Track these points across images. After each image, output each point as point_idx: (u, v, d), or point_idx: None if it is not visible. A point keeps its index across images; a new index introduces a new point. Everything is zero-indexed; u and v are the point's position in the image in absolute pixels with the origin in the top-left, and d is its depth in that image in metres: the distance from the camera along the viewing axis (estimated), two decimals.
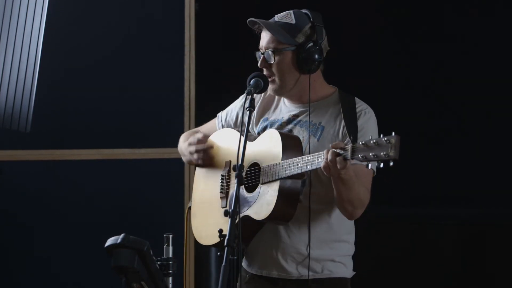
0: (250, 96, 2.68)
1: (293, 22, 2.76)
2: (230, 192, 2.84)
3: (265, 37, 2.79)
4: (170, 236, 2.60)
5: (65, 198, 4.53)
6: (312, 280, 2.75)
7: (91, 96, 4.55)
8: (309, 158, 2.59)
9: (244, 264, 2.87)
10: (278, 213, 2.66)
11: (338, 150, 2.49)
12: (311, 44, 2.74)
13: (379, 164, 2.40)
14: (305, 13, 2.79)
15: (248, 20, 2.80)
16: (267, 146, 2.76)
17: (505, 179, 4.42)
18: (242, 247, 2.75)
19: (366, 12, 4.57)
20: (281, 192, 2.65)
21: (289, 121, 2.83)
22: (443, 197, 4.49)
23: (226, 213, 2.44)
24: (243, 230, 2.67)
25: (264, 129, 2.86)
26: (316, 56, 2.74)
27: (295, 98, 2.84)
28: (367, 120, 2.76)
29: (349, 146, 2.46)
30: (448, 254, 4.43)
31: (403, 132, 2.40)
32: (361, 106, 2.79)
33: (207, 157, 2.95)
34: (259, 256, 2.82)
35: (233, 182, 2.59)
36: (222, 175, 2.89)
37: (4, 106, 4.55)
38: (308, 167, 2.58)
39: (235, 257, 2.38)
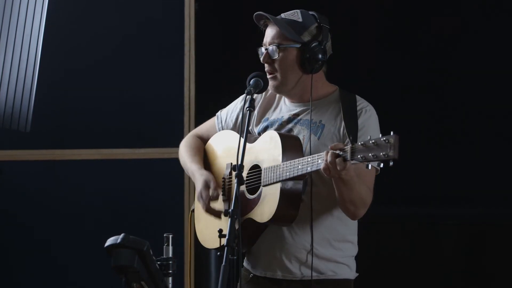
0: (250, 96, 2.68)
1: (300, 20, 2.75)
2: (232, 194, 2.83)
3: (270, 32, 2.78)
4: (170, 236, 2.59)
5: (65, 198, 4.52)
6: (316, 281, 2.74)
7: (91, 96, 4.54)
8: (309, 159, 2.58)
9: (248, 265, 2.86)
10: (280, 215, 2.65)
11: (337, 151, 2.47)
12: (316, 44, 2.74)
13: (379, 164, 2.40)
14: (312, 14, 2.78)
15: (255, 14, 2.79)
16: (267, 147, 2.75)
17: (505, 179, 4.41)
18: (243, 249, 2.76)
19: (366, 11, 4.57)
20: (283, 194, 2.65)
21: (289, 120, 2.82)
22: (443, 197, 4.49)
23: (226, 213, 2.44)
24: (247, 232, 2.67)
25: (265, 129, 2.86)
26: (320, 56, 2.73)
27: (295, 97, 2.83)
28: (368, 118, 2.74)
29: (348, 147, 2.45)
30: (448, 254, 4.42)
31: (403, 131, 2.39)
32: (362, 104, 2.78)
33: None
34: (263, 257, 2.81)
35: (234, 183, 2.58)
36: (223, 178, 2.88)
37: (4, 106, 4.55)
38: (309, 168, 2.57)
39: (235, 257, 2.38)
